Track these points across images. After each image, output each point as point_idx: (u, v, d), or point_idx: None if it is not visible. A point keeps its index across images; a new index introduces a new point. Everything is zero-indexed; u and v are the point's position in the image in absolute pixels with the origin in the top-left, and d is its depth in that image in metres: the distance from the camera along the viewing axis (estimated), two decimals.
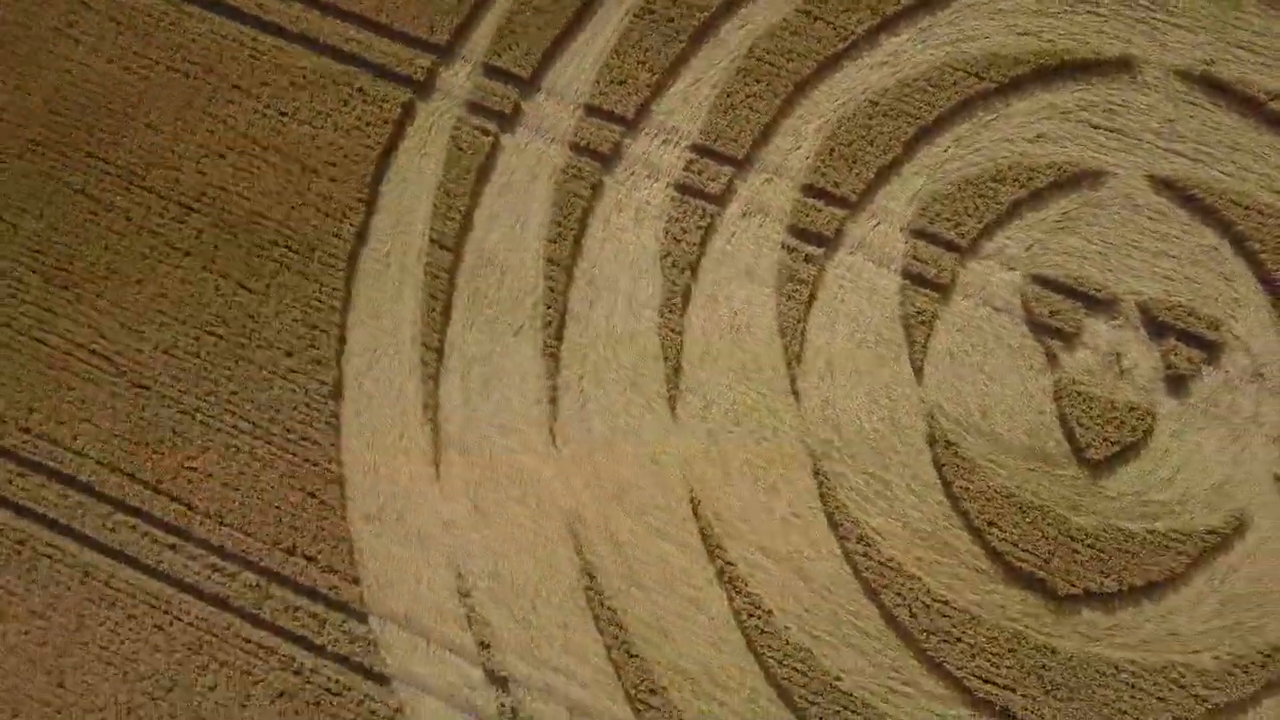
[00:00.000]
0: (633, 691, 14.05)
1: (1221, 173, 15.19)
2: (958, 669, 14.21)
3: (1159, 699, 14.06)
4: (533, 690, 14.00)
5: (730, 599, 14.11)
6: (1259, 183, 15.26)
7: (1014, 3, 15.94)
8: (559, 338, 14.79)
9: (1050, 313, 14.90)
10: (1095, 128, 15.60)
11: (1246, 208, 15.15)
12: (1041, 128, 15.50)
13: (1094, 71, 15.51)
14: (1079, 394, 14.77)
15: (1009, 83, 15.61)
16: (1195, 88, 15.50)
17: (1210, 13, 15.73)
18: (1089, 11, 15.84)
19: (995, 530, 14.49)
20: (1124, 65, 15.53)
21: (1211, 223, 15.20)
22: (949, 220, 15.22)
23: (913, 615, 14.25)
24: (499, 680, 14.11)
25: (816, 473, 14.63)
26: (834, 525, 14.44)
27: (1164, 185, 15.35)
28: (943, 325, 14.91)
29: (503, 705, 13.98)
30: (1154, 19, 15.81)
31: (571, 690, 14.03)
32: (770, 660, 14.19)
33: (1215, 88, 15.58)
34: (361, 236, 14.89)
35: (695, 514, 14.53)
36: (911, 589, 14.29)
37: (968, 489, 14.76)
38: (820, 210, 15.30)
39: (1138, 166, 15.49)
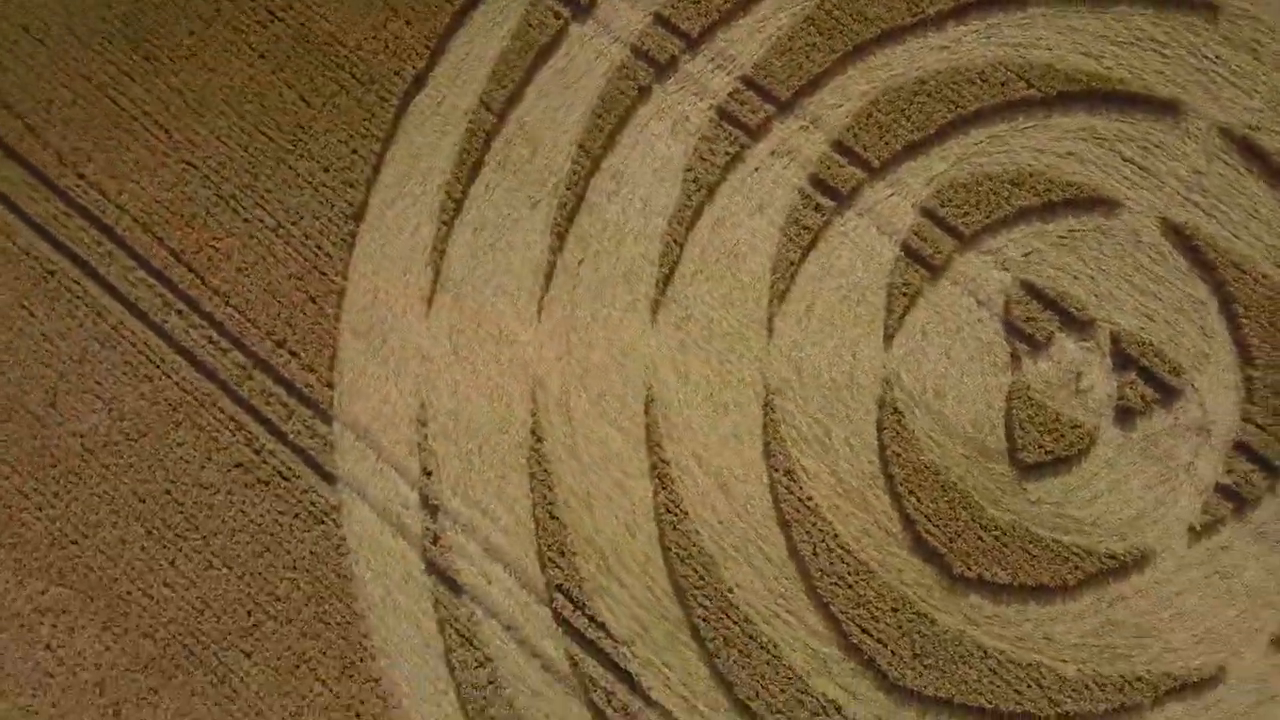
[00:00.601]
0: (545, 549, 15.18)
1: (1232, 233, 15.62)
2: (841, 612, 15.13)
3: (1016, 690, 14.86)
4: (458, 523, 15.21)
5: (655, 493, 15.12)
6: (1265, 253, 15.67)
7: (1085, 23, 16.37)
8: (570, 220, 15.77)
9: (1027, 318, 15.54)
10: (1126, 160, 16.07)
11: (1244, 271, 15.58)
12: (1075, 147, 16.00)
13: (1141, 107, 15.94)
14: (1031, 399, 15.43)
15: (1056, 96, 16.11)
16: (1233, 148, 15.87)
17: (1271, 82, 16.04)
18: (1154, 49, 16.23)
19: (914, 500, 15.29)
20: (1171, 109, 15.93)
21: (1207, 277, 15.65)
22: (959, 209, 15.86)
23: (815, 553, 15.16)
24: (431, 507, 15.33)
25: (767, 405, 15.54)
26: (768, 454, 15.35)
27: (1173, 230, 15.82)
28: (924, 302, 15.61)
29: (428, 529, 15.21)
30: (1214, 72, 16.17)
31: (492, 533, 15.21)
32: (675, 557, 15.22)
33: (1252, 153, 15.95)
34: (420, 81, 15.93)
35: (646, 410, 15.51)
36: (821, 530, 15.21)
37: (900, 456, 15.56)
38: (843, 167, 16.01)
39: (1153, 207, 15.95)
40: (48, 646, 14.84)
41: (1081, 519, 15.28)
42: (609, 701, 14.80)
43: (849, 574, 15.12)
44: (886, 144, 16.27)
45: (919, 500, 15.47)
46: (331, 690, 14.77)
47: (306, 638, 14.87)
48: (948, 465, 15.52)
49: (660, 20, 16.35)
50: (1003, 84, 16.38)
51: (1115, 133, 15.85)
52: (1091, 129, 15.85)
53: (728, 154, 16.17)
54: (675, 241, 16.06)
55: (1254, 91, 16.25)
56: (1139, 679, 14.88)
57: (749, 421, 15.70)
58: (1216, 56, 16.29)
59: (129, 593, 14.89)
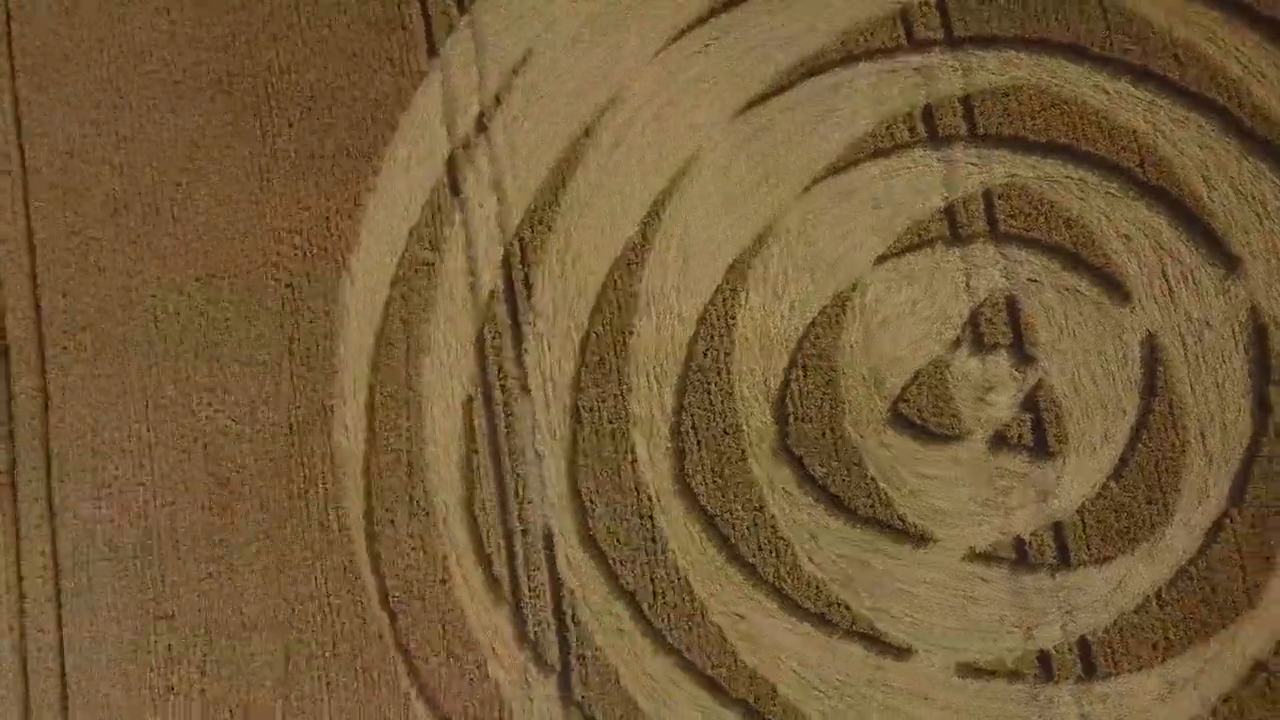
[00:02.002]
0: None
1: (1189, 387, 16.96)
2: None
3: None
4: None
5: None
6: (1201, 416, 16.99)
7: (1209, 152, 17.50)
8: None
9: (990, 322, 17.14)
10: (1163, 274, 17.33)
11: (1174, 418, 16.94)
12: (1133, 232, 17.32)
13: (1210, 244, 17.10)
14: (943, 376, 17.16)
15: (1151, 190, 17.38)
16: (1247, 329, 17.02)
17: None
18: (1257, 208, 17.32)
19: (801, 373, 17.34)
20: (1232, 262, 17.06)
21: (1143, 400, 16.99)
22: (1011, 211, 17.36)
23: (707, 393, 17.53)
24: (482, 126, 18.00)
25: (761, 238, 17.65)
26: (730, 270, 17.58)
27: (1150, 347, 17.15)
28: (928, 253, 17.27)
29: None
30: None
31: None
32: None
33: (1259, 337, 17.09)
34: None
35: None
36: (720, 366, 17.51)
37: (819, 339, 17.57)
38: (955, 117, 17.64)
39: (1151, 321, 17.26)
40: None
41: (905, 479, 17.18)
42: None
43: (720, 398, 17.43)
44: (1007, 125, 17.77)
45: (804, 376, 17.49)
46: None
47: None
48: (847, 371, 17.48)
49: None
50: (1121, 148, 17.65)
51: (1172, 246, 17.12)
52: (1157, 231, 17.14)
53: None
54: None
55: None
56: (854, 622, 17.03)
57: (742, 236, 17.86)
58: None
59: None
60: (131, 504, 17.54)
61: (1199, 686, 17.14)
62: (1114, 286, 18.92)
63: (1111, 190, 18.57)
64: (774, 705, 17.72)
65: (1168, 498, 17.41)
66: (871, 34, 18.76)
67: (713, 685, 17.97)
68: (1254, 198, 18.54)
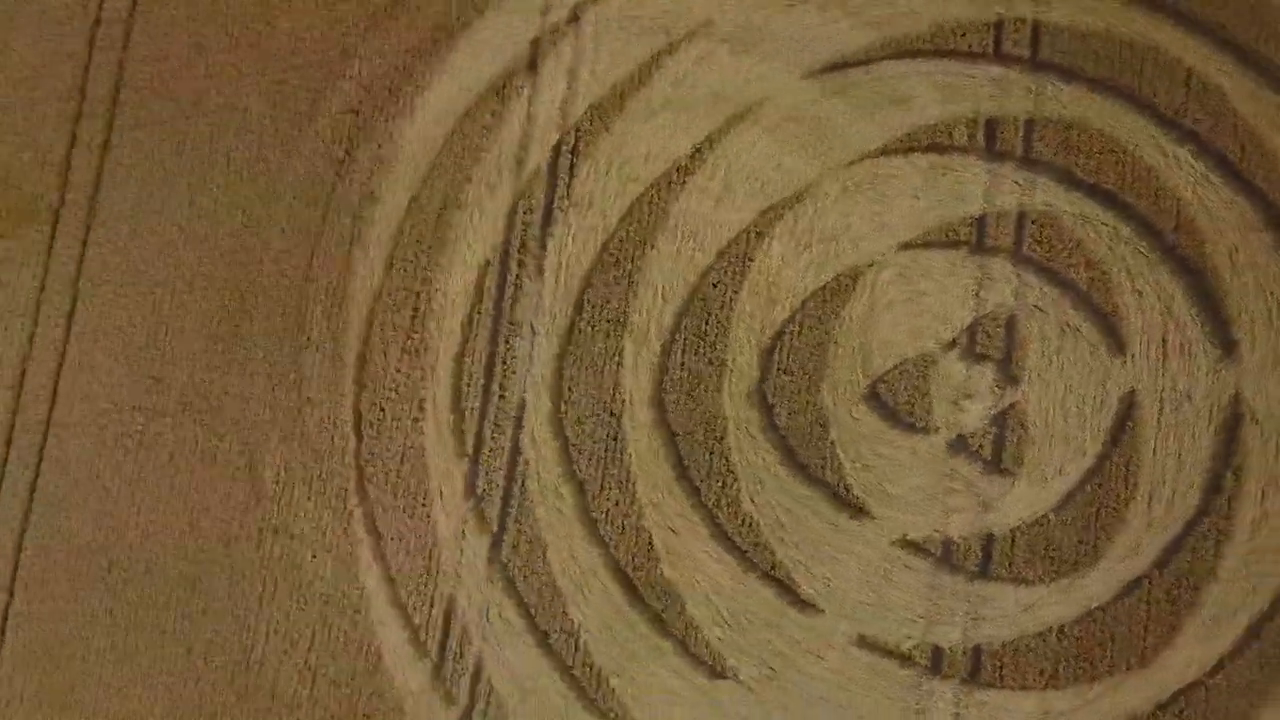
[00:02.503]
0: None
1: (1151, 451, 17.60)
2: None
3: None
4: None
5: None
6: (1154, 477, 17.66)
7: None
8: None
9: (988, 334, 17.84)
10: (1160, 338, 17.91)
11: (1128, 474, 17.63)
12: (1146, 290, 17.91)
13: (1215, 321, 17.68)
14: (927, 371, 17.90)
15: (1173, 246, 17.99)
16: (1226, 412, 17.67)
17: None
18: None
19: (796, 329, 18.12)
20: (1230, 347, 17.66)
21: (1105, 448, 17.66)
22: (1039, 236, 17.95)
23: (703, 328, 18.35)
24: None
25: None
26: (748, 232, 18.35)
27: (1132, 406, 17.78)
28: (949, 255, 17.92)
29: None
30: None
31: None
32: None
33: (1232, 422, 17.73)
34: None
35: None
36: (723, 297, 18.32)
37: (824, 304, 18.35)
38: (1015, 134, 18.25)
39: (1134, 378, 17.89)
40: None
41: (862, 454, 18.00)
42: None
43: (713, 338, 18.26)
44: (1061, 157, 18.34)
45: (799, 333, 18.28)
46: None
47: None
48: (838, 341, 18.26)
49: None
50: (1162, 210, 18.17)
51: (1180, 315, 17.68)
52: (1170, 297, 17.70)
53: None
54: None
55: None
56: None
57: (783, 186, 18.60)
58: None
59: None
60: (148, 298, 18.55)
61: None
62: (1113, 336, 19.61)
63: (1140, 247, 19.21)
64: (679, 620, 18.72)
65: (1099, 544, 18.22)
66: (962, 35, 19.38)
67: (629, 586, 18.99)
68: (1272, 294, 19.07)
